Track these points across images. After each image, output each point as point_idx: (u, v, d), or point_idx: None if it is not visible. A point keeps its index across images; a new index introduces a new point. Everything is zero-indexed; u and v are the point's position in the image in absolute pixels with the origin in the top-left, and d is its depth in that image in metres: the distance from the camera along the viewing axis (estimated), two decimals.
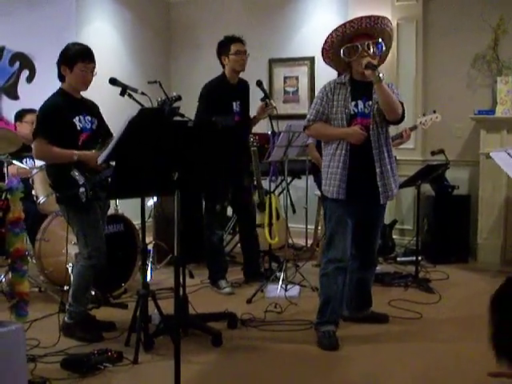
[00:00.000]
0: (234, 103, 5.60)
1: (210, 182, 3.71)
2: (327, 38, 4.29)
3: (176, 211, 3.17)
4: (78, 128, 4.36)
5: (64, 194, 4.36)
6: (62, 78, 4.42)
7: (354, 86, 4.34)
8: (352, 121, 4.31)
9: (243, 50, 5.59)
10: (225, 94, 5.56)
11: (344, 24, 4.25)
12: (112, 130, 4.46)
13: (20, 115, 6.04)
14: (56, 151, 4.25)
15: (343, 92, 4.34)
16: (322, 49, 4.36)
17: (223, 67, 5.63)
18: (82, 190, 4.17)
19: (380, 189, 4.35)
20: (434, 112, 5.89)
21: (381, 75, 4.17)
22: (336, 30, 4.25)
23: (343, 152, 4.30)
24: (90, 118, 4.45)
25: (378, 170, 4.33)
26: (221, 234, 5.81)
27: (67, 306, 4.51)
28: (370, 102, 4.35)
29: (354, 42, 4.23)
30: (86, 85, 4.43)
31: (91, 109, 4.55)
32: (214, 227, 5.70)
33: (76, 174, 4.18)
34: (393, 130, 5.80)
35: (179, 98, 4.29)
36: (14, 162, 5.48)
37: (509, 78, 6.46)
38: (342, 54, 4.25)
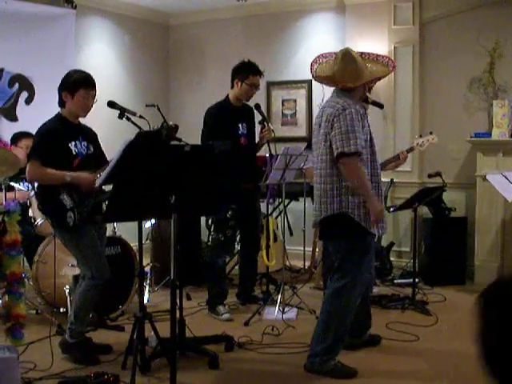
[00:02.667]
0: (240, 125, 5.58)
1: (211, 206, 3.72)
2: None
3: (173, 234, 3.18)
4: (74, 153, 4.39)
5: (52, 217, 4.38)
6: (62, 103, 4.45)
7: None
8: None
9: (258, 85, 5.57)
10: (230, 116, 5.53)
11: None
12: (110, 153, 4.46)
13: (15, 139, 6.02)
14: (49, 172, 4.27)
15: (366, 120, 4.19)
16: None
17: (232, 87, 5.60)
18: (69, 214, 4.18)
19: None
20: (431, 133, 5.92)
21: None
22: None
23: (380, 185, 4.25)
24: (86, 144, 4.48)
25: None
26: (226, 258, 5.78)
27: (68, 325, 4.49)
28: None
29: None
30: (86, 111, 4.48)
31: (88, 134, 4.57)
32: (220, 251, 5.65)
33: (65, 197, 4.20)
34: (390, 153, 5.84)
35: (176, 128, 4.23)
36: (13, 183, 5.48)
37: (505, 102, 6.51)
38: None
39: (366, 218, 4.09)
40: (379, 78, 4.30)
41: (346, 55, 4.16)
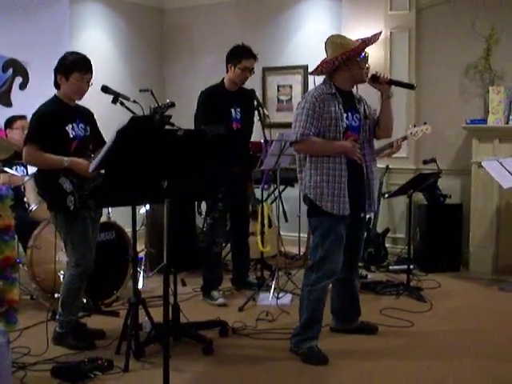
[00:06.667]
0: (233, 110, 5.56)
1: (204, 191, 3.71)
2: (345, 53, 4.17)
3: (166, 219, 3.18)
4: (71, 136, 4.35)
5: (51, 201, 4.37)
6: (57, 85, 4.42)
7: (342, 97, 4.28)
8: (345, 134, 4.25)
9: (251, 68, 5.54)
10: (222, 100, 5.52)
11: (367, 41, 4.25)
12: (104, 137, 4.45)
13: (10, 122, 6.01)
14: (46, 157, 4.25)
15: (335, 103, 4.23)
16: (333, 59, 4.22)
17: (226, 71, 5.59)
18: (70, 198, 4.17)
19: (367, 201, 4.38)
20: (425, 123, 5.91)
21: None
22: (357, 48, 4.20)
23: (343, 166, 4.21)
24: (83, 126, 4.45)
25: (365, 183, 4.34)
26: (221, 241, 5.79)
27: (57, 316, 4.50)
28: (358, 115, 4.33)
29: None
30: (80, 95, 4.44)
31: (85, 116, 4.54)
32: (214, 235, 5.64)
33: (64, 181, 4.18)
34: (382, 140, 5.81)
35: (172, 105, 4.25)
36: (6, 169, 5.46)
37: (501, 88, 6.48)
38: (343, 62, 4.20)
39: (321, 198, 4.21)
40: (359, 49, 4.24)
41: (332, 36, 4.35)
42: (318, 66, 4.30)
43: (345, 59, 4.19)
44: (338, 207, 4.20)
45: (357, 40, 4.31)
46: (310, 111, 4.19)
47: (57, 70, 4.39)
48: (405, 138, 5.84)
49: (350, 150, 4.22)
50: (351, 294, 4.69)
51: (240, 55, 5.51)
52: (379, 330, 4.80)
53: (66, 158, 4.24)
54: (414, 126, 6.04)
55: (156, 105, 4.21)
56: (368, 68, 4.33)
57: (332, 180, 4.21)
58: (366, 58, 4.30)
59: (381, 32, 4.40)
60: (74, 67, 4.33)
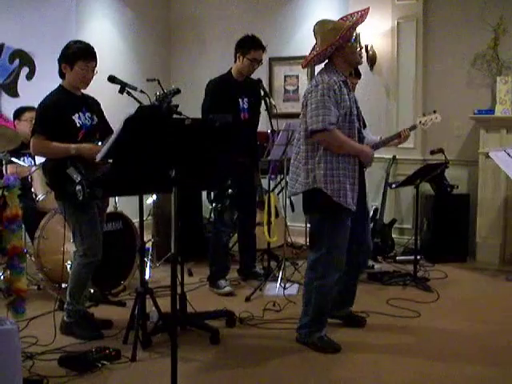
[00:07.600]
0: (241, 100, 5.55)
1: (211, 181, 3.71)
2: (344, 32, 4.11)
3: (173, 209, 3.17)
4: (78, 125, 4.35)
5: (60, 191, 4.38)
6: (62, 75, 4.42)
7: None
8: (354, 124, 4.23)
9: (259, 59, 5.52)
10: (230, 90, 5.50)
11: (360, 17, 4.21)
12: (112, 128, 4.45)
13: (18, 113, 6.03)
14: (53, 146, 4.25)
15: (346, 91, 4.16)
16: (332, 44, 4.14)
17: (235, 61, 5.57)
18: (78, 187, 4.17)
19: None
20: (434, 112, 5.88)
21: None
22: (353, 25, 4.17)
23: (356, 160, 4.16)
24: (89, 115, 4.45)
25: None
26: (229, 231, 5.78)
27: (65, 305, 4.52)
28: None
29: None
30: (85, 83, 4.43)
31: (91, 105, 4.54)
32: (221, 225, 5.64)
33: (72, 171, 4.18)
34: (393, 129, 5.80)
35: (178, 92, 4.23)
36: (14, 159, 5.47)
37: (508, 78, 6.46)
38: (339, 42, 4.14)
39: (339, 194, 4.09)
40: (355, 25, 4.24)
41: (319, 22, 4.28)
42: (314, 56, 4.22)
43: (341, 43, 4.12)
44: (352, 202, 4.14)
45: (341, 19, 4.29)
46: (332, 98, 4.05)
47: (61, 60, 4.38)
48: (413, 128, 5.81)
49: (368, 157, 4.21)
50: (351, 282, 4.58)
51: (249, 46, 5.48)
52: (386, 320, 4.81)
53: (73, 145, 4.24)
54: (424, 114, 6.01)
55: (160, 92, 4.20)
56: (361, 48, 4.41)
57: (348, 175, 4.13)
58: (358, 40, 4.27)
59: (368, 8, 4.31)
60: (78, 56, 4.32)
